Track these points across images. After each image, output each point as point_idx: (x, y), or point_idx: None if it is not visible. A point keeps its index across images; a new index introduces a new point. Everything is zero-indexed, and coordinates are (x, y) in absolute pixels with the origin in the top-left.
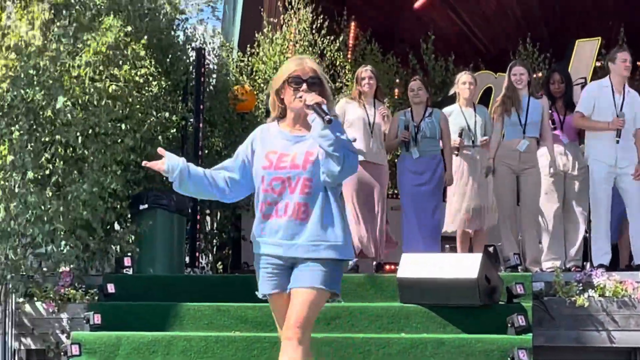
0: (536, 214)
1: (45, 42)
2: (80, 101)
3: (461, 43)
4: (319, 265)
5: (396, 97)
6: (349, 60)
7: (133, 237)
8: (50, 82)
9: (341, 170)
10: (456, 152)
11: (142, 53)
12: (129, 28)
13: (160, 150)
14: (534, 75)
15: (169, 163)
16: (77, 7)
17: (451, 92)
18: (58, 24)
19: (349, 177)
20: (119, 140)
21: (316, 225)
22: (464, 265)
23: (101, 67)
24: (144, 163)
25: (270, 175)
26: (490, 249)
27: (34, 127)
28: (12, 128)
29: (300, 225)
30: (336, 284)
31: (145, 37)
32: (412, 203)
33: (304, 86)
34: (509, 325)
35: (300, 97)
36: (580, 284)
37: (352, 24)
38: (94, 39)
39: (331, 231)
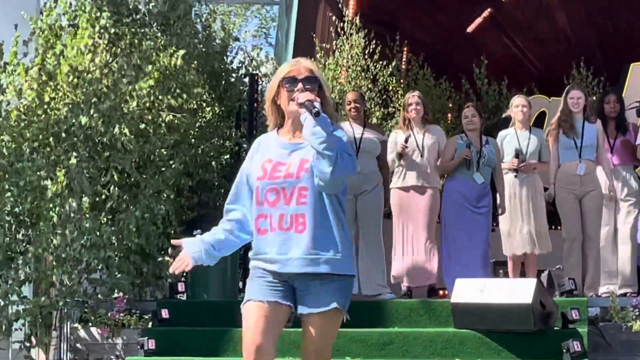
0: (597, 238)
1: (105, 70)
2: (136, 129)
3: (514, 67)
4: (325, 283)
5: (449, 121)
6: (402, 85)
7: None
8: (109, 109)
9: (334, 171)
10: (515, 174)
11: (194, 78)
12: (182, 52)
13: (174, 241)
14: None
15: (192, 256)
16: (134, 34)
17: (505, 114)
18: (118, 53)
19: (398, 201)
20: (172, 166)
21: (313, 237)
22: (518, 290)
23: (159, 96)
24: (171, 269)
25: (264, 185)
26: (545, 274)
27: (91, 153)
28: (70, 154)
29: (296, 237)
30: (347, 303)
31: (196, 62)
32: (457, 225)
33: (299, 86)
34: (565, 351)
35: (294, 98)
36: (637, 309)
37: (405, 48)
38: (149, 66)
39: (330, 244)
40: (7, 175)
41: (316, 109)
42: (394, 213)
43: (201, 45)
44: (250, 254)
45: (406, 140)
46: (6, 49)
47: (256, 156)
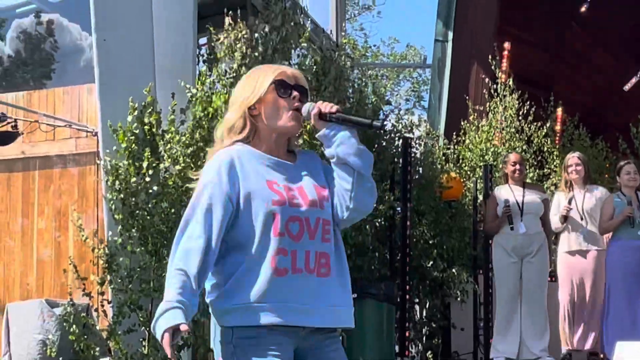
0: None
1: None
2: None
3: None
4: (335, 342)
5: (606, 182)
6: (557, 147)
7: None
8: None
9: (373, 200)
10: None
11: None
12: None
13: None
14: None
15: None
16: None
17: None
18: None
19: (564, 265)
20: None
21: (337, 283)
22: None
23: None
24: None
25: (286, 213)
26: None
27: None
28: None
29: (321, 282)
30: None
31: None
32: (620, 287)
33: (295, 93)
34: None
35: (296, 108)
36: None
37: (559, 109)
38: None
39: (348, 291)
40: (166, 242)
41: (369, 120)
42: (560, 276)
43: (353, 110)
44: (237, 302)
45: (570, 202)
46: (164, 117)
47: (241, 175)
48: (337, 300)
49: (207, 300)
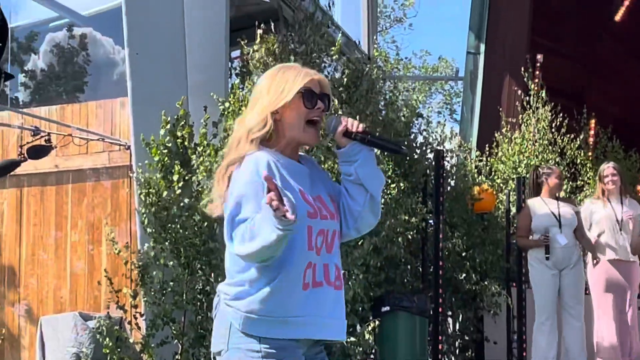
0: None
1: None
2: None
3: None
4: (324, 353)
5: (639, 194)
6: (590, 159)
7: (375, 339)
8: None
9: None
10: None
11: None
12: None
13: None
14: None
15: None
16: None
17: None
18: None
19: (600, 275)
20: (360, 243)
21: (343, 296)
22: None
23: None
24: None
25: (317, 226)
26: None
27: None
28: None
29: (337, 295)
30: None
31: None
32: None
33: (320, 104)
34: None
35: (314, 119)
36: None
37: (592, 121)
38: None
39: None
40: (198, 255)
41: (398, 146)
42: (596, 287)
43: (384, 123)
44: (268, 313)
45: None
46: (196, 131)
47: (283, 178)
48: (344, 313)
49: (229, 303)
